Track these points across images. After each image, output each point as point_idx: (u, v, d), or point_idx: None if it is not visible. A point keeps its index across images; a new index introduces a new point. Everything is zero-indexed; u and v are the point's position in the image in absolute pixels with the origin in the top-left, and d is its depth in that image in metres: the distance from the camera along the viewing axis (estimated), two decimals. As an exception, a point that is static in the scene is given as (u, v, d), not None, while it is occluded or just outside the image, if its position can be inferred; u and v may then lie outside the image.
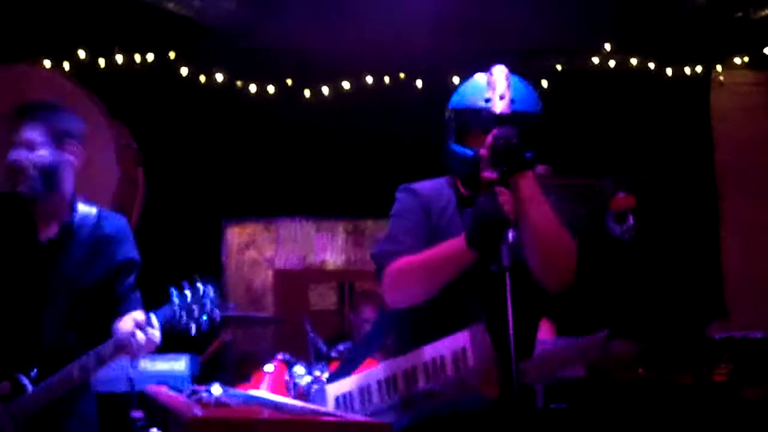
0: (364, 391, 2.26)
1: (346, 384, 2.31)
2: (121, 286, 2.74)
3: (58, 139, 2.71)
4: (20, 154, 2.66)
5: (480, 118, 2.22)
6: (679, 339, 3.43)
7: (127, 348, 2.54)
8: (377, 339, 2.40)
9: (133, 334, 2.52)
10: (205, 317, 2.55)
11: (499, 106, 2.18)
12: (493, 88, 2.20)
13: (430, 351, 2.17)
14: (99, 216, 2.77)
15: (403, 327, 2.36)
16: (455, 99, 2.34)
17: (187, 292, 2.56)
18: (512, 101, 2.20)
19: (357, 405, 2.26)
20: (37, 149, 2.67)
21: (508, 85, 2.21)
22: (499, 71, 2.25)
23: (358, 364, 2.35)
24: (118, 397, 3.92)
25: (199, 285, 2.57)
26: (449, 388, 2.10)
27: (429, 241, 2.27)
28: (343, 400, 2.29)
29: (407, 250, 2.25)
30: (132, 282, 2.77)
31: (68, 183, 2.77)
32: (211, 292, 2.57)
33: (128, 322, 2.58)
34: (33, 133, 2.68)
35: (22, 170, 2.66)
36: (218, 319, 2.58)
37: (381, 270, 2.28)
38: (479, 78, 2.30)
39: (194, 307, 2.55)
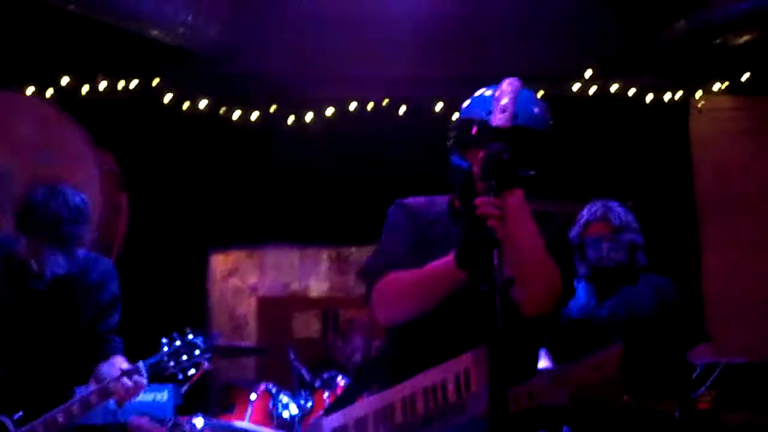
0: (360, 423, 2.19)
1: (342, 416, 2.24)
2: (103, 327, 2.73)
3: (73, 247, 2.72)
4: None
5: (479, 130, 2.16)
6: (662, 365, 3.43)
7: (113, 394, 2.54)
8: (374, 372, 2.35)
9: (119, 381, 2.52)
10: (192, 366, 2.56)
11: (497, 119, 2.11)
12: (497, 99, 2.13)
13: (430, 376, 2.12)
14: (86, 261, 2.77)
15: (394, 352, 2.32)
16: (462, 108, 2.28)
17: (178, 342, 2.57)
18: (514, 116, 2.12)
19: None
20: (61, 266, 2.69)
21: (513, 99, 2.13)
22: (508, 84, 2.17)
23: (356, 396, 2.29)
24: (99, 428, 3.88)
25: (190, 334, 2.59)
26: (450, 413, 2.06)
27: (419, 254, 2.23)
28: None
29: (396, 266, 2.22)
30: (114, 323, 2.77)
31: None
32: (200, 342, 2.59)
33: (114, 368, 2.58)
34: (56, 259, 2.68)
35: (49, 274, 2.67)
36: (206, 367, 2.60)
37: (370, 287, 2.25)
38: (488, 90, 2.24)
39: (183, 355, 2.56)
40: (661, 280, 3.65)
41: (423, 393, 2.12)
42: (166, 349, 2.58)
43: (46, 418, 2.54)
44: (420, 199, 2.39)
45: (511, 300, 2.03)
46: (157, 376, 2.62)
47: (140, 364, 2.57)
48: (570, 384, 2.15)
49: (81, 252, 2.78)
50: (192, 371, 2.59)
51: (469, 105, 2.27)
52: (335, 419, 2.25)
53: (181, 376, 2.61)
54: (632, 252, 3.57)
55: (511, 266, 2.03)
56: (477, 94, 2.29)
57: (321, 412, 4.05)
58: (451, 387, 2.09)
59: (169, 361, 2.58)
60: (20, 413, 2.56)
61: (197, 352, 2.59)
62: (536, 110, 2.22)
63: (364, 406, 2.22)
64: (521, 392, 2.13)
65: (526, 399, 2.13)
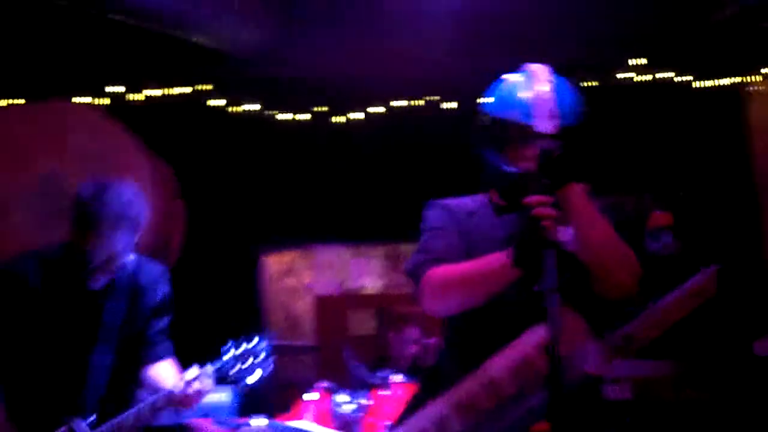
0: (439, 421, 2.15)
1: (417, 422, 2.19)
2: (152, 330, 2.77)
3: (135, 236, 2.73)
4: (112, 258, 2.67)
5: (523, 133, 2.13)
6: (726, 357, 3.36)
7: (180, 400, 2.58)
8: (440, 376, 2.32)
9: (187, 387, 2.56)
10: (254, 372, 2.60)
11: (543, 126, 2.05)
12: (540, 103, 2.06)
13: (510, 355, 2.10)
14: (137, 264, 2.81)
15: (458, 350, 2.31)
16: (494, 104, 2.25)
17: (243, 345, 2.61)
18: (559, 117, 2.06)
19: None
20: (120, 255, 2.68)
21: (554, 99, 2.07)
22: (544, 82, 2.10)
23: (425, 404, 2.22)
24: (162, 429, 3.94)
25: (255, 338, 2.62)
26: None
27: (461, 248, 2.24)
28: None
29: (442, 259, 2.22)
30: (164, 326, 2.80)
31: None
32: (264, 345, 2.62)
33: (165, 372, 2.62)
34: (122, 242, 2.66)
35: (111, 269, 2.69)
36: (270, 372, 2.62)
37: (417, 281, 2.25)
38: (521, 84, 2.19)
39: (246, 361, 2.60)
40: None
41: (508, 371, 2.10)
42: (230, 354, 2.62)
43: (120, 421, 2.59)
44: (456, 198, 2.40)
45: (567, 297, 2.03)
46: (220, 382, 2.65)
47: (208, 368, 2.61)
48: (670, 317, 2.12)
49: (131, 255, 2.83)
50: (254, 378, 2.62)
51: (503, 102, 2.23)
52: (410, 428, 2.21)
53: (243, 383, 2.64)
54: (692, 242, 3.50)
55: (592, 261, 2.09)
56: (508, 87, 2.24)
57: (378, 410, 4.08)
58: (538, 359, 2.05)
59: (232, 367, 2.61)
60: (94, 417, 2.61)
61: (259, 358, 2.62)
62: (575, 105, 2.21)
63: (438, 405, 2.17)
64: (617, 337, 2.12)
65: (625, 343, 2.12)
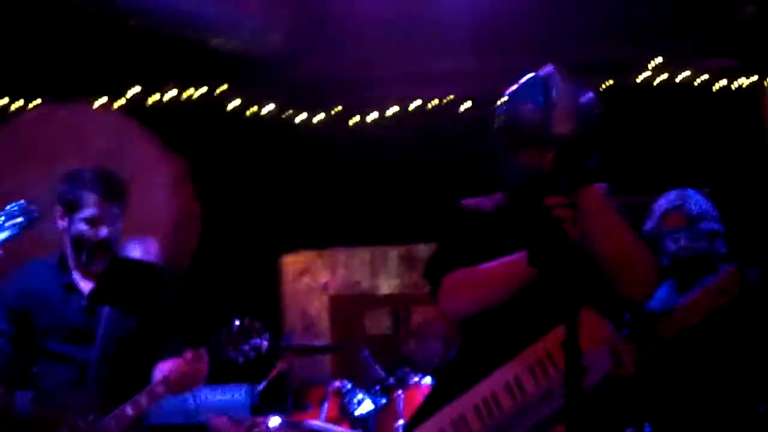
0: (458, 423, 2.11)
1: (433, 424, 2.15)
2: (155, 329, 2.79)
3: (118, 204, 2.75)
4: (102, 232, 2.70)
5: (539, 135, 2.11)
6: (745, 364, 3.32)
7: (177, 384, 2.60)
8: (456, 377, 2.31)
9: (181, 369, 2.58)
10: (251, 349, 2.61)
11: (560, 128, 2.04)
12: (554, 106, 2.06)
13: (529, 356, 2.08)
14: (135, 265, 2.85)
15: (473, 350, 2.29)
16: (508, 106, 2.23)
17: (233, 328, 2.62)
18: (575, 120, 2.06)
19: None
20: (107, 224, 2.71)
21: (570, 103, 2.07)
22: (558, 84, 2.09)
23: (440, 405, 2.19)
24: (179, 428, 3.96)
25: (246, 319, 2.64)
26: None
27: (480, 249, 2.22)
28: None
29: (459, 260, 2.22)
30: (168, 325, 2.82)
31: None
32: (257, 325, 2.63)
33: (176, 359, 2.64)
34: (100, 208, 2.69)
35: (107, 248, 2.72)
36: (264, 351, 2.63)
37: (436, 283, 2.25)
38: (534, 85, 2.18)
39: (241, 340, 2.61)
40: (746, 271, 3.52)
41: (530, 371, 2.08)
42: (223, 334, 2.64)
43: (117, 413, 2.61)
44: (473, 199, 2.39)
45: (597, 288, 2.03)
46: (218, 361, 2.66)
47: (200, 351, 2.63)
48: (696, 315, 2.11)
49: (130, 256, 2.87)
50: (252, 354, 2.64)
51: (517, 104, 2.21)
52: (426, 429, 2.17)
53: (242, 361, 2.65)
54: (712, 241, 3.46)
55: (610, 262, 2.08)
56: (521, 90, 2.22)
57: (394, 410, 4.08)
58: (559, 357, 2.02)
59: (227, 345, 2.63)
60: (92, 417, 2.62)
61: (254, 335, 2.63)
62: (590, 105, 2.18)
63: (457, 405, 2.14)
64: (638, 336, 2.12)
65: (652, 342, 2.11)
